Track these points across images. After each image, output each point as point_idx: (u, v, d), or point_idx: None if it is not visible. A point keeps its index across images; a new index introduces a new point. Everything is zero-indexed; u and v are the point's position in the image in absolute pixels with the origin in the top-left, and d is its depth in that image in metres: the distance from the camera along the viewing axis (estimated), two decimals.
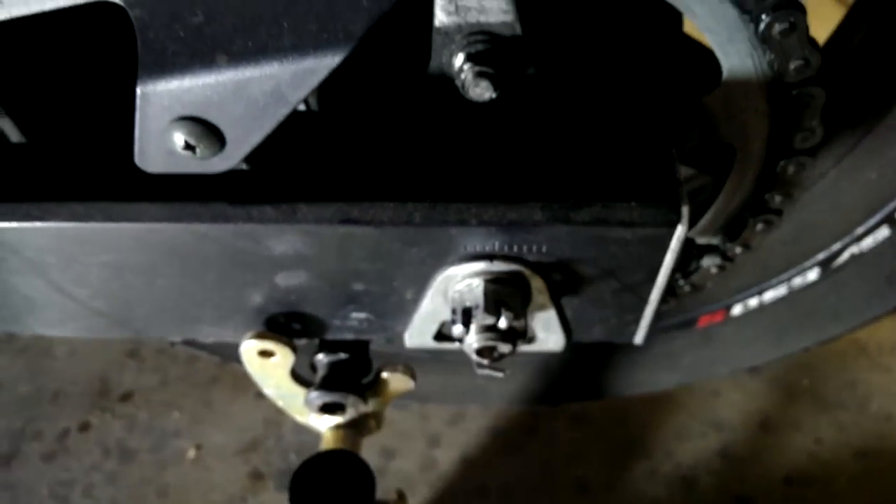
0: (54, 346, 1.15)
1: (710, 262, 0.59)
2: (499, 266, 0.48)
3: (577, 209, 0.45)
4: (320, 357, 0.62)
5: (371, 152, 0.49)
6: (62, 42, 0.55)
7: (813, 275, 0.72)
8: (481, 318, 0.48)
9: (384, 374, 0.64)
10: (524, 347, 0.54)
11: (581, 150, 0.48)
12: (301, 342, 0.59)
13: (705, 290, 0.65)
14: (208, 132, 0.42)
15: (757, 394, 1.06)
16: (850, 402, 1.05)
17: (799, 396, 1.06)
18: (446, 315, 0.52)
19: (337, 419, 0.66)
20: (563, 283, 0.51)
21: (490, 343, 0.49)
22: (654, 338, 0.79)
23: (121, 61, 0.47)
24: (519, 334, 0.50)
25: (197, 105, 0.40)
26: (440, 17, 0.41)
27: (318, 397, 0.61)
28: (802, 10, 0.40)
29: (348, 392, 0.61)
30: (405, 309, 0.53)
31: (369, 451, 0.67)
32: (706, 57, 0.47)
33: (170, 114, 0.41)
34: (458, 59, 0.42)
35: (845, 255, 0.69)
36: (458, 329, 0.49)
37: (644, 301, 0.52)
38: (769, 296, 0.76)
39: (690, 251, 0.60)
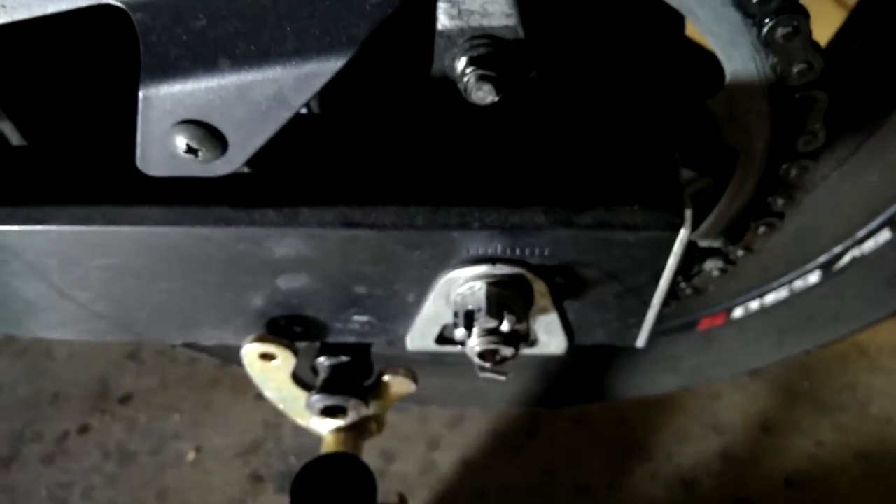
0: (54, 349, 1.15)
1: (711, 265, 0.59)
2: (501, 269, 0.48)
3: (579, 212, 0.45)
4: (321, 360, 0.62)
5: (373, 155, 0.49)
6: (63, 45, 0.55)
7: (814, 277, 0.72)
8: (483, 322, 0.48)
9: (385, 377, 0.64)
10: (526, 350, 0.54)
11: (583, 153, 0.48)
12: (302, 345, 0.59)
13: (706, 293, 0.65)
14: (210, 135, 0.41)
15: (757, 396, 1.06)
16: (851, 405, 1.05)
17: (799, 399, 1.06)
18: (448, 318, 0.52)
19: (338, 422, 0.66)
20: (566, 287, 0.51)
21: (492, 346, 0.49)
22: (655, 340, 0.79)
23: (122, 65, 0.47)
24: (521, 337, 0.50)
25: (199, 108, 0.40)
26: (443, 21, 0.41)
27: (319, 400, 0.61)
28: (805, 14, 0.40)
29: (350, 395, 0.61)
30: (407, 312, 0.53)
31: (369, 453, 0.67)
32: (709, 60, 0.47)
33: (172, 117, 0.41)
34: (461, 63, 0.42)
35: (846, 258, 0.69)
36: (460, 332, 0.49)
37: (646, 304, 0.52)
38: (770, 298, 0.76)
39: (692, 254, 0.60)
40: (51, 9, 0.39)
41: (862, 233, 0.67)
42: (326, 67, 0.39)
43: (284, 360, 0.57)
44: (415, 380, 0.64)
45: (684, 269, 0.61)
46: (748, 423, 1.04)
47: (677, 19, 0.51)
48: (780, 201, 0.53)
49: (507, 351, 0.50)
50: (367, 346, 0.63)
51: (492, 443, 1.03)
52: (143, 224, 0.46)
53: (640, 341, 0.57)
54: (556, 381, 0.98)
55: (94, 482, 1.01)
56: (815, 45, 0.42)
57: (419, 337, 0.55)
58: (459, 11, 0.41)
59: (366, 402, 0.63)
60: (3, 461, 1.03)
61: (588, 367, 0.95)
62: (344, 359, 0.61)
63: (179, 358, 1.14)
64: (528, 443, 1.03)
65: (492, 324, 0.48)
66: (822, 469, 0.99)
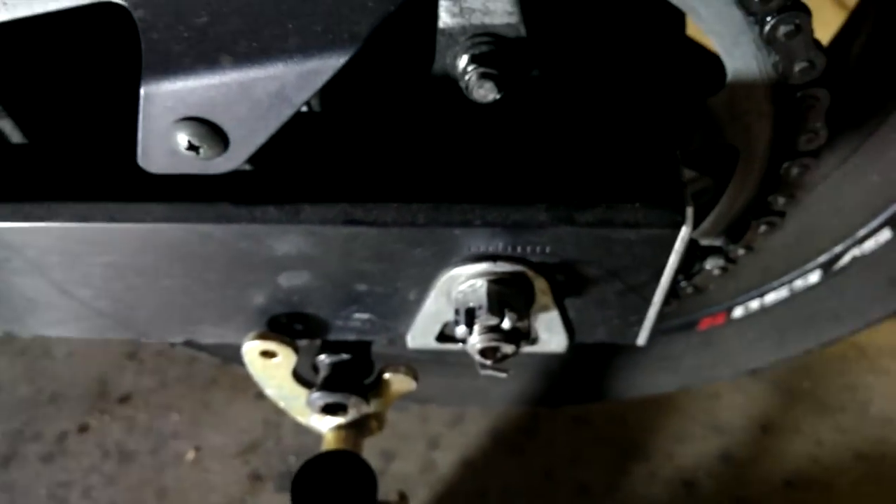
0: (53, 348, 1.15)
1: (712, 264, 0.59)
2: (502, 267, 0.48)
3: (581, 210, 0.45)
4: (322, 358, 0.62)
5: (375, 153, 0.49)
6: (64, 43, 0.55)
7: (814, 277, 0.72)
8: (484, 319, 0.48)
9: (386, 375, 0.64)
10: (527, 348, 0.54)
11: (585, 151, 0.48)
12: (303, 343, 0.59)
13: (707, 292, 0.65)
14: (212, 133, 0.41)
15: (758, 397, 1.06)
16: (851, 406, 1.05)
17: (800, 399, 1.06)
18: (449, 316, 0.52)
19: (338, 420, 0.66)
20: (567, 284, 0.51)
21: (493, 344, 0.49)
22: (655, 340, 0.79)
23: (123, 62, 0.47)
24: (522, 335, 0.50)
25: (201, 106, 0.40)
26: (444, 19, 0.41)
27: (320, 398, 0.61)
28: (807, 12, 0.40)
29: (350, 393, 0.61)
30: (408, 310, 0.53)
31: (368, 453, 0.67)
32: (710, 59, 0.47)
33: (173, 114, 0.41)
34: (463, 61, 0.42)
35: (847, 258, 0.69)
36: (461, 330, 0.49)
37: (647, 302, 0.52)
38: (770, 298, 0.76)
39: (693, 253, 0.60)
40: (52, 6, 0.39)
41: (862, 232, 0.67)
42: (328, 65, 0.39)
43: (285, 358, 0.57)
44: (415, 377, 0.64)
45: (685, 268, 0.61)
46: (748, 423, 1.04)
47: (679, 17, 0.51)
48: (781, 200, 0.53)
49: (507, 348, 0.50)
50: (367, 344, 0.63)
51: (492, 442, 1.03)
52: (144, 221, 0.46)
53: (641, 339, 0.57)
54: (556, 381, 0.98)
55: (94, 481, 1.01)
56: (817, 43, 0.42)
57: (420, 335, 0.55)
58: (461, 9, 0.41)
59: (366, 400, 0.63)
60: (2, 460, 1.03)
61: (588, 366, 0.95)
62: (345, 356, 0.61)
63: (179, 357, 1.14)
64: (528, 443, 1.03)
65: (493, 321, 0.48)
66: (821, 470, 0.99)
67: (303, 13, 0.38)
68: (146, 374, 1.12)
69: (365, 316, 0.55)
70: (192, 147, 0.42)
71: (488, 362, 0.51)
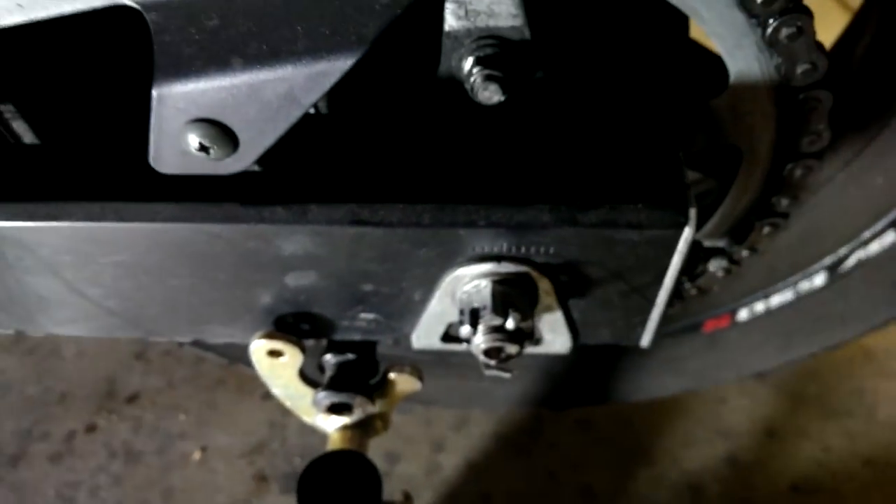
0: (62, 348, 1.16)
1: (716, 266, 0.59)
2: (506, 267, 0.49)
3: (584, 211, 0.45)
4: (328, 357, 0.62)
5: (381, 154, 0.50)
6: (76, 44, 0.56)
7: (820, 280, 0.72)
8: (489, 319, 0.48)
9: (391, 375, 0.64)
10: (531, 349, 0.54)
11: (589, 152, 0.48)
12: (309, 342, 0.59)
13: (711, 294, 0.65)
14: (222, 134, 0.42)
15: (764, 400, 1.05)
16: (858, 410, 1.04)
17: (806, 403, 1.05)
18: (454, 316, 0.53)
19: (344, 420, 0.66)
20: (571, 285, 0.51)
21: (497, 344, 0.49)
22: (660, 342, 0.79)
23: (135, 63, 0.48)
24: (526, 335, 0.50)
25: (211, 107, 0.41)
26: (450, 22, 0.42)
27: (325, 397, 0.61)
28: (809, 14, 0.41)
29: (356, 392, 0.61)
30: (413, 310, 0.54)
31: (373, 454, 0.67)
32: (713, 61, 0.48)
33: (185, 115, 0.41)
34: (468, 63, 0.43)
35: (852, 260, 0.69)
36: (465, 330, 0.50)
37: (651, 303, 0.52)
38: (776, 300, 0.76)
39: (697, 254, 0.60)
40: (66, 8, 0.40)
41: (867, 234, 0.67)
42: (336, 67, 0.40)
43: (292, 357, 0.58)
44: (420, 378, 0.64)
45: (689, 269, 0.61)
46: (754, 427, 1.03)
47: (682, 20, 0.52)
48: (784, 201, 0.54)
49: (512, 349, 0.50)
50: (373, 344, 0.63)
51: (496, 445, 1.03)
52: (154, 221, 0.47)
53: (645, 341, 0.57)
54: (560, 384, 0.98)
55: (101, 481, 1.02)
56: (819, 45, 0.42)
57: (425, 335, 0.56)
58: (466, 12, 0.41)
59: (372, 400, 0.63)
60: (10, 460, 1.04)
61: (593, 369, 0.95)
62: (350, 356, 0.61)
63: (186, 358, 1.14)
64: (532, 446, 1.03)
65: (497, 321, 0.48)
66: (828, 474, 0.98)
67: (311, 16, 0.38)
68: (154, 375, 1.13)
69: (370, 316, 0.55)
70: (202, 148, 0.42)
71: (492, 363, 0.51)
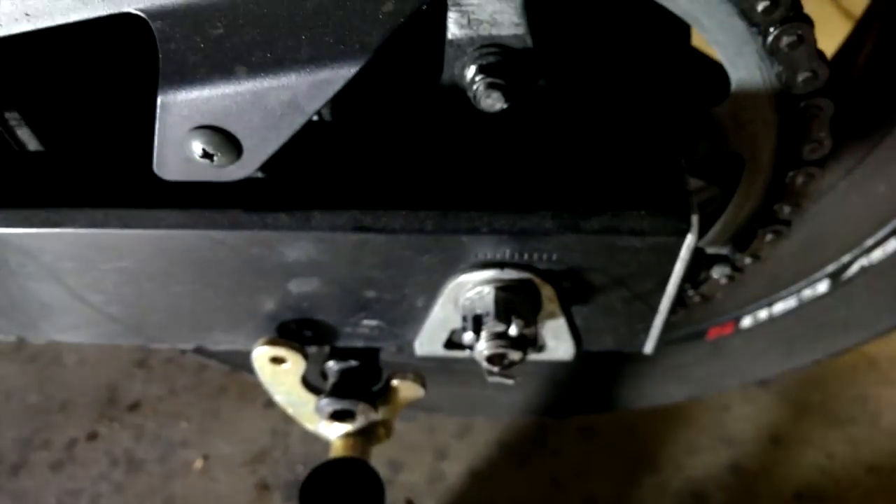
0: (63, 356, 1.16)
1: (719, 273, 0.59)
2: (509, 274, 0.49)
3: (587, 218, 0.46)
4: (331, 364, 0.62)
5: (384, 161, 0.50)
6: (81, 52, 0.56)
7: (822, 287, 0.72)
8: (492, 326, 0.48)
9: (394, 382, 0.64)
10: (534, 355, 0.54)
11: (591, 160, 0.48)
12: (312, 349, 0.59)
13: (715, 302, 0.65)
14: (226, 141, 0.42)
15: (767, 408, 1.05)
16: (862, 417, 1.04)
17: (810, 411, 1.05)
18: (457, 323, 0.53)
19: (346, 427, 0.66)
20: (574, 292, 0.51)
21: (500, 350, 0.49)
22: (664, 350, 0.79)
23: (139, 71, 0.48)
24: (529, 342, 0.50)
25: (216, 115, 0.41)
26: (453, 30, 0.42)
27: (328, 404, 0.61)
28: (810, 23, 0.41)
29: (359, 400, 0.61)
30: (416, 316, 0.54)
31: (376, 462, 0.67)
32: (714, 69, 0.48)
33: (189, 123, 0.42)
34: (470, 71, 0.43)
35: (855, 268, 0.69)
36: (468, 336, 0.50)
37: (654, 310, 0.52)
38: (779, 308, 0.76)
39: (700, 261, 0.60)
40: (73, 17, 0.41)
41: (870, 242, 0.67)
42: (339, 74, 0.40)
43: (295, 364, 0.58)
44: (423, 385, 0.64)
45: (692, 277, 0.61)
46: (758, 435, 1.03)
47: (683, 28, 0.52)
48: (786, 209, 0.54)
49: (514, 355, 0.50)
50: (376, 351, 0.63)
51: (500, 453, 1.03)
52: (158, 227, 0.47)
53: (648, 347, 0.57)
54: (564, 391, 0.98)
55: (102, 489, 1.01)
56: (820, 53, 0.43)
57: (428, 341, 0.56)
58: (469, 21, 0.42)
59: (374, 407, 0.63)
60: (12, 468, 1.04)
61: (596, 376, 0.95)
62: (353, 363, 0.61)
63: (187, 366, 1.14)
64: (535, 453, 1.03)
65: (500, 328, 0.48)
66: (832, 482, 0.98)
67: (315, 24, 0.39)
68: (155, 382, 1.13)
69: (373, 322, 0.55)
70: (206, 155, 0.43)
71: (495, 369, 0.51)
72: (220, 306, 0.54)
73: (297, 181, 0.48)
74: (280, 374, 0.59)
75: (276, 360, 0.58)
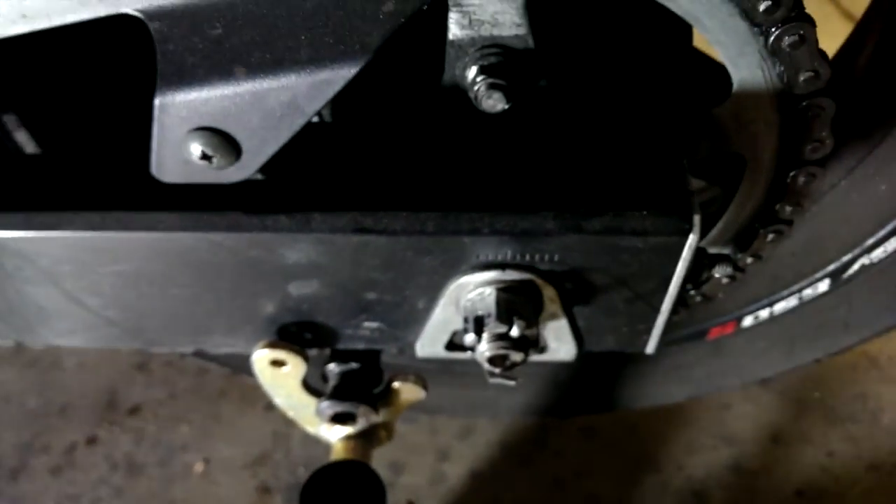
0: (63, 360, 1.16)
1: (721, 273, 0.59)
2: (511, 275, 0.48)
3: (588, 218, 0.45)
4: (332, 367, 0.62)
5: (384, 162, 0.50)
6: (78, 54, 0.56)
7: (823, 286, 0.72)
8: (493, 327, 0.48)
9: (395, 384, 0.64)
10: (536, 356, 0.54)
11: (593, 160, 0.48)
12: (312, 352, 0.59)
13: (716, 302, 0.65)
14: (225, 143, 0.42)
15: (768, 407, 1.05)
16: (862, 415, 1.04)
17: (810, 409, 1.05)
18: (458, 324, 0.53)
19: (347, 429, 0.66)
20: (575, 292, 0.51)
21: (502, 351, 0.49)
22: (665, 350, 0.78)
23: (137, 72, 0.48)
24: (531, 343, 0.50)
25: (214, 116, 0.41)
26: (454, 31, 0.42)
27: (329, 407, 0.61)
28: (811, 23, 0.41)
29: (359, 402, 0.61)
30: (417, 318, 0.53)
31: (378, 464, 0.67)
32: (716, 69, 0.48)
33: (187, 124, 0.41)
34: (472, 72, 0.43)
35: (856, 266, 0.69)
36: (469, 338, 0.50)
37: (656, 310, 0.52)
38: (780, 307, 0.75)
39: (701, 261, 0.60)
40: (70, 18, 0.40)
41: (871, 241, 0.67)
42: (339, 75, 0.40)
43: (295, 367, 0.58)
44: (425, 387, 0.64)
45: (693, 276, 0.61)
46: (759, 433, 1.03)
47: (685, 28, 0.52)
48: (788, 209, 0.53)
49: (516, 356, 0.50)
50: (377, 353, 0.63)
51: (501, 454, 1.03)
52: (156, 230, 0.47)
53: (650, 348, 0.57)
54: (565, 392, 0.98)
55: (102, 494, 1.01)
56: (822, 53, 0.43)
57: (429, 343, 0.55)
58: (470, 21, 0.41)
59: (375, 409, 0.63)
60: (11, 472, 1.03)
61: (598, 377, 0.95)
62: (354, 365, 0.61)
63: (188, 369, 1.14)
64: (537, 454, 1.03)
65: (501, 329, 0.48)
66: (832, 480, 0.98)
67: (315, 25, 0.38)
68: (155, 386, 1.13)
69: (374, 324, 0.55)
70: (205, 157, 0.42)
71: (497, 370, 0.51)
72: (220, 309, 0.53)
73: (297, 183, 0.48)
74: (280, 377, 0.59)
75: (277, 363, 0.58)
